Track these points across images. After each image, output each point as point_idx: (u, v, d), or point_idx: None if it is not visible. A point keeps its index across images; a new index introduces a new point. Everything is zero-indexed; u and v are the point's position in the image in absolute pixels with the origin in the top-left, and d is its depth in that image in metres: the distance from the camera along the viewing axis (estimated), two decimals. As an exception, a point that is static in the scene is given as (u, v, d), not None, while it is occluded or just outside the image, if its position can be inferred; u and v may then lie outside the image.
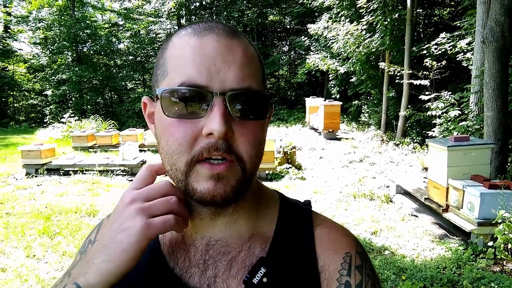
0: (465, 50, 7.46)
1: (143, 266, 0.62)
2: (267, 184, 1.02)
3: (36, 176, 7.49)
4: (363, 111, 13.61)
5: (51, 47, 18.86)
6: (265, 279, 0.56)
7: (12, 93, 20.00)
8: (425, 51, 8.78)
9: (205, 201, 0.53)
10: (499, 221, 3.64)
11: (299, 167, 7.86)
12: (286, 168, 7.64)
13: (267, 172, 7.28)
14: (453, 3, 12.17)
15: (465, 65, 7.47)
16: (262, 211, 0.65)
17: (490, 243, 3.73)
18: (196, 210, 0.60)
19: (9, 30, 20.23)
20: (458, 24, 8.02)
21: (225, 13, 18.57)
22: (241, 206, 0.61)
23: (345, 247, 0.62)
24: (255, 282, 0.56)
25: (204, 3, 19.74)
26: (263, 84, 0.58)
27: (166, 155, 0.55)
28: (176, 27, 19.52)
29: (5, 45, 19.51)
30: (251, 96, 0.53)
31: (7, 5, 19.90)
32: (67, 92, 17.83)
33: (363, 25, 10.53)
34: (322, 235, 0.63)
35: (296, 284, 0.59)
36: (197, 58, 0.52)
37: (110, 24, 21.00)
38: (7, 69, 19.97)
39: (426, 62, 8.35)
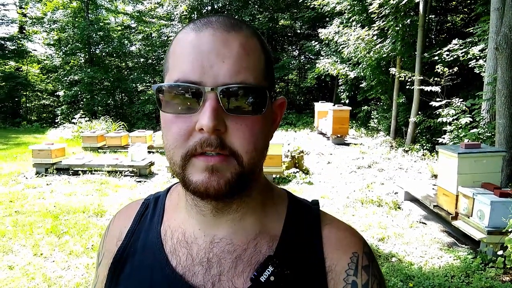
0: (478, 57, 7.37)
1: (146, 264, 0.62)
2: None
3: (45, 175, 7.57)
4: (372, 116, 13.51)
5: (65, 48, 19.15)
6: (272, 278, 0.56)
7: (25, 93, 20.31)
8: (436, 57, 8.69)
9: (199, 193, 0.54)
10: (510, 229, 3.58)
11: (306, 172, 7.83)
12: (294, 172, 7.61)
13: (274, 176, 7.26)
14: (466, 10, 12.07)
15: (477, 72, 7.37)
16: (269, 208, 0.64)
17: (500, 252, 3.66)
18: (199, 206, 0.59)
19: (24, 31, 20.61)
20: (471, 31, 7.93)
21: (236, 17, 18.67)
22: (246, 202, 0.61)
23: (353, 247, 0.62)
24: (263, 280, 0.55)
25: (216, 7, 19.83)
26: (266, 77, 0.56)
27: (166, 150, 0.56)
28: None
29: (20, 45, 19.86)
30: (245, 90, 0.52)
31: (23, 6, 20.29)
32: (79, 93, 18.04)
33: (374, 30, 10.46)
34: (330, 235, 0.63)
35: (303, 284, 0.58)
36: (192, 54, 0.52)
37: (122, 27, 21.22)
38: (21, 69, 20.32)
39: (438, 68, 8.28)
